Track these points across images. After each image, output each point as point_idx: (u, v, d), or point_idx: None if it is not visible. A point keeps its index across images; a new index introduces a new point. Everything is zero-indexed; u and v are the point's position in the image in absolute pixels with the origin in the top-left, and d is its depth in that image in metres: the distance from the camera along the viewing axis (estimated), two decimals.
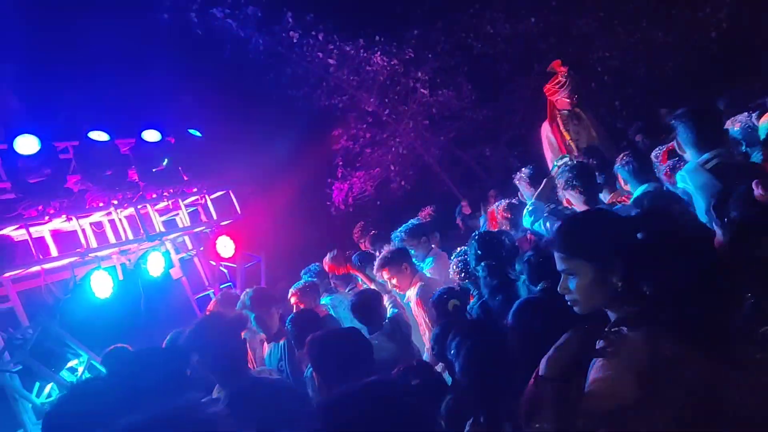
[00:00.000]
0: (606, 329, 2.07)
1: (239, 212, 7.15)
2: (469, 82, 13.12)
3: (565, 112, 7.08)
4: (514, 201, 5.81)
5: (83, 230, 5.81)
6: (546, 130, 7.20)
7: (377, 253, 5.76)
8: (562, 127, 7.06)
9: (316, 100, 12.85)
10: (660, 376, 1.87)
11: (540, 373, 2.08)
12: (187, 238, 7.16)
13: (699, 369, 1.88)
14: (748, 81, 9.75)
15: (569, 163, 5.29)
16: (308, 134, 12.65)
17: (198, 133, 6.79)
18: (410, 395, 2.10)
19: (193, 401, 1.93)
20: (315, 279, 5.94)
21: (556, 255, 2.22)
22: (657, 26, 11.39)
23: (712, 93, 10.53)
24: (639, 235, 2.10)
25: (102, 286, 5.63)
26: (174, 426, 1.71)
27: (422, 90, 13.25)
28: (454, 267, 4.64)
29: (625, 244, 2.09)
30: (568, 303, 2.21)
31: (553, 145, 7.09)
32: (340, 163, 13.55)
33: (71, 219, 5.71)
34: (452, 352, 2.85)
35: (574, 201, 4.78)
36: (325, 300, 5.85)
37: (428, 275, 5.67)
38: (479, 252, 4.26)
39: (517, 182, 5.74)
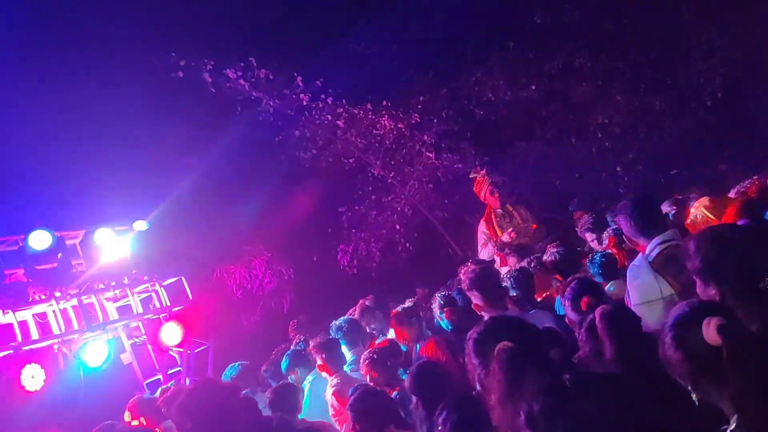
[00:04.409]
0: None
1: (191, 298, 7.28)
2: (472, 146, 13.09)
3: (499, 211, 7.39)
4: None
5: (22, 322, 6.01)
6: (482, 226, 7.46)
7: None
8: (495, 225, 7.30)
9: (312, 162, 13.08)
10: None
11: None
12: (140, 324, 7.29)
13: None
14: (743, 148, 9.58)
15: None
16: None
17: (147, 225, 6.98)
18: None
19: None
20: None
21: None
22: (655, 94, 11.24)
23: (711, 157, 10.37)
24: None
25: (33, 378, 5.77)
26: None
27: (428, 153, 13.32)
28: None
29: None
30: None
31: (489, 240, 7.25)
32: (346, 225, 13.69)
33: (7, 313, 5.91)
34: None
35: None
36: None
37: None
38: None
39: None
